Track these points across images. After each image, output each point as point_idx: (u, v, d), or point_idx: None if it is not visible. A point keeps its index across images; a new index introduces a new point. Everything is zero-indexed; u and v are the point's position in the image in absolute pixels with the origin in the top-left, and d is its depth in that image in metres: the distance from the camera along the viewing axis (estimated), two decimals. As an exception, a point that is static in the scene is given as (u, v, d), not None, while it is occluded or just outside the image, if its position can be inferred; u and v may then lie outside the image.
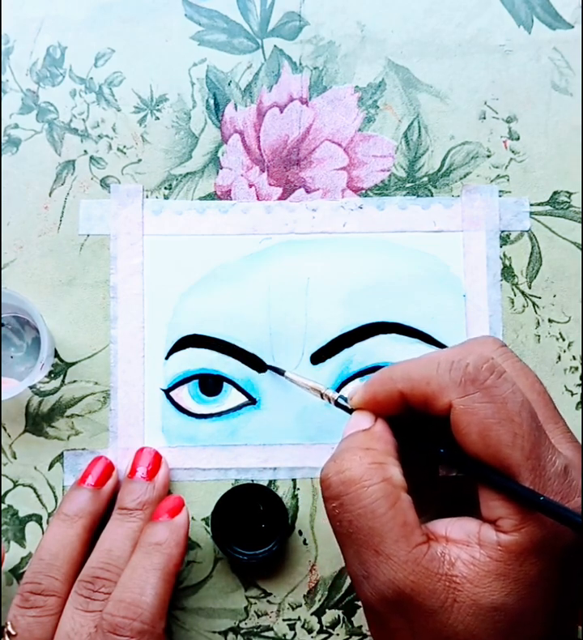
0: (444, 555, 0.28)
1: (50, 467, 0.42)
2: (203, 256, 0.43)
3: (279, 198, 0.43)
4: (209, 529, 0.42)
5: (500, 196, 0.43)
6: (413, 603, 0.28)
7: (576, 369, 0.42)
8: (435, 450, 0.30)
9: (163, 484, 0.40)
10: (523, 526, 0.27)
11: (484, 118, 0.44)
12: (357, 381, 0.41)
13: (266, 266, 0.43)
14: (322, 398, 0.37)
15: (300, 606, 0.41)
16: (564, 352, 0.43)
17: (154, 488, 0.40)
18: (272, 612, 0.41)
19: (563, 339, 0.43)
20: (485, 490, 0.29)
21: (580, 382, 0.42)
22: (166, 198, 0.43)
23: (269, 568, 0.41)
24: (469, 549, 0.28)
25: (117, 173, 0.44)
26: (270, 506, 0.41)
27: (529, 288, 0.43)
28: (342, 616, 0.41)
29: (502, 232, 0.43)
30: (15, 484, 0.42)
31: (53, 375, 0.43)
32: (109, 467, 0.41)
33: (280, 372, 0.41)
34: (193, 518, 0.41)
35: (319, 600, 0.41)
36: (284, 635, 0.41)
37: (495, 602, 0.27)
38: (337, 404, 0.36)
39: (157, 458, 0.41)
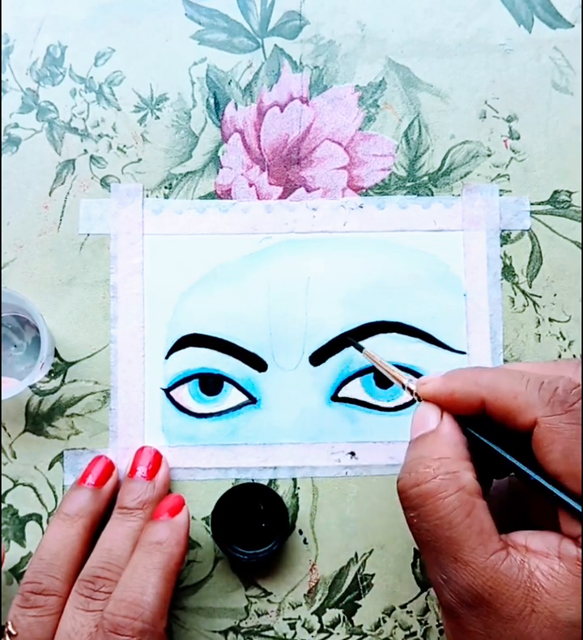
0: (523, 563, 0.28)
1: (50, 466, 0.42)
2: (203, 255, 0.43)
3: (280, 198, 0.43)
4: (209, 528, 0.42)
5: (500, 195, 0.43)
6: (491, 608, 0.28)
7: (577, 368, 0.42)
8: (512, 464, 0.31)
9: (163, 483, 0.40)
10: None
11: (485, 117, 0.44)
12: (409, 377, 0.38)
13: (267, 266, 0.43)
14: (397, 383, 0.37)
15: (301, 605, 0.41)
16: (565, 351, 0.43)
17: (154, 487, 0.40)
18: (272, 611, 0.41)
19: (564, 339, 0.43)
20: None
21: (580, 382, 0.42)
22: (166, 197, 0.43)
23: (269, 567, 0.41)
24: (548, 561, 0.28)
25: (117, 173, 0.44)
26: (270, 506, 0.41)
27: (530, 287, 0.43)
28: (342, 615, 0.41)
29: (502, 231, 0.43)
30: (15, 484, 0.42)
31: (53, 374, 0.43)
32: (109, 467, 0.41)
33: (359, 348, 0.40)
34: (193, 517, 0.41)
35: (319, 600, 0.41)
36: (284, 634, 0.41)
37: (572, 617, 0.27)
38: (410, 390, 0.35)
39: (157, 458, 0.41)
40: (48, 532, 0.38)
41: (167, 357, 0.42)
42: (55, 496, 0.42)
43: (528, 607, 0.28)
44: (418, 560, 0.42)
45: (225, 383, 0.42)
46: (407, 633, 0.41)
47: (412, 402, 0.42)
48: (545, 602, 0.28)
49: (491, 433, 0.32)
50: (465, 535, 0.29)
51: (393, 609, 0.41)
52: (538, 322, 0.43)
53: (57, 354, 0.43)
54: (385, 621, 0.41)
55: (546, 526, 0.30)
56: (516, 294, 0.43)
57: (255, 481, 0.42)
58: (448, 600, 0.30)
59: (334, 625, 0.41)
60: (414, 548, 0.42)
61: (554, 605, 0.28)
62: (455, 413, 0.32)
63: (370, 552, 0.42)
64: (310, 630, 0.41)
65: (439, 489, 0.30)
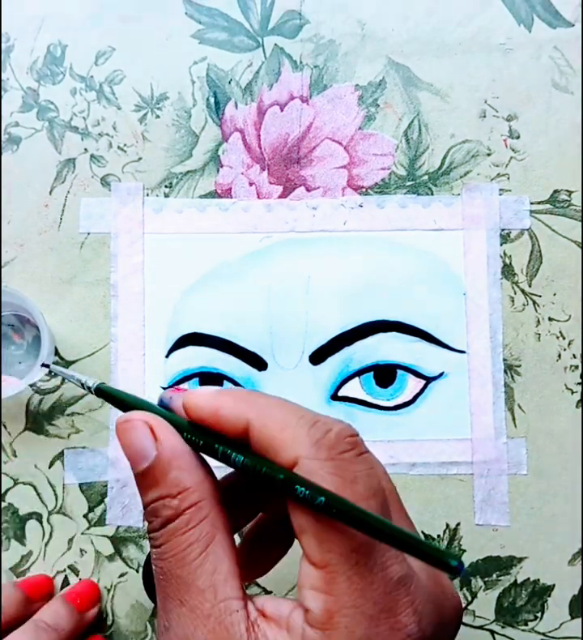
0: (253, 625, 0.24)
1: (51, 465, 0.42)
2: (204, 254, 0.43)
3: (280, 197, 0.43)
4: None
5: (500, 194, 0.43)
6: None
7: (577, 367, 0.42)
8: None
9: (88, 622, 0.40)
10: (328, 629, 0.23)
11: (484, 117, 0.44)
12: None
13: (267, 265, 0.43)
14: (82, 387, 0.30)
15: (301, 604, 0.41)
16: (564, 350, 0.43)
17: (79, 620, 0.39)
18: (272, 610, 0.41)
19: (564, 338, 0.43)
20: (304, 563, 0.25)
21: (581, 381, 0.42)
22: (166, 196, 0.43)
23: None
24: (276, 630, 0.24)
25: (117, 172, 0.44)
26: None
27: (530, 286, 0.43)
28: (342, 614, 0.41)
29: (502, 230, 0.43)
30: (16, 483, 0.42)
31: (53, 373, 0.43)
32: (95, 593, 0.41)
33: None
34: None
35: (319, 598, 0.41)
36: (284, 633, 0.41)
37: None
38: (97, 393, 0.29)
39: (95, 595, 0.41)
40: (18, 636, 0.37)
41: (167, 356, 0.42)
42: (55, 495, 0.42)
43: None
44: (417, 558, 0.42)
45: (225, 382, 0.42)
46: (407, 631, 0.41)
47: (413, 400, 0.42)
48: None
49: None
50: (195, 574, 0.24)
51: (393, 608, 0.41)
52: (538, 321, 0.43)
53: (57, 353, 0.43)
54: (384, 620, 0.41)
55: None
56: (515, 293, 0.43)
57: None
58: None
59: (333, 623, 0.41)
60: (414, 547, 0.42)
61: None
62: (218, 432, 0.26)
63: (370, 551, 0.42)
64: (310, 629, 0.41)
65: (180, 525, 0.25)
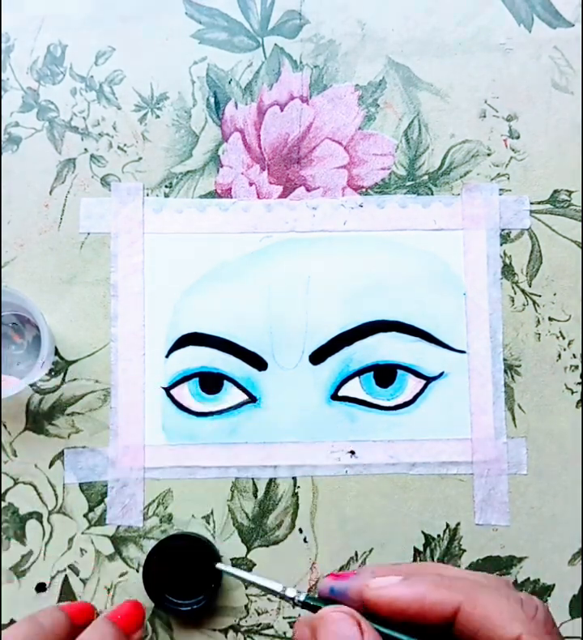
0: None
1: (51, 464, 0.42)
2: (204, 254, 0.43)
3: (280, 197, 0.43)
4: (210, 527, 0.42)
5: (500, 194, 0.43)
6: None
7: (577, 367, 0.42)
8: None
9: None
10: None
11: (484, 117, 0.44)
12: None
13: (267, 265, 0.43)
14: (279, 597, 0.32)
15: (301, 604, 0.41)
16: (564, 350, 0.43)
17: None
18: (272, 609, 0.42)
19: (564, 338, 0.43)
20: None
21: (581, 381, 0.42)
22: (166, 196, 0.43)
23: (269, 566, 0.42)
24: None
25: (117, 171, 0.44)
26: (197, 553, 0.40)
27: (530, 286, 0.43)
28: (342, 613, 0.41)
29: (502, 230, 0.43)
30: (16, 482, 0.42)
31: (53, 373, 0.43)
32: (141, 613, 0.40)
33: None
34: (193, 516, 0.42)
35: (319, 598, 0.42)
36: (284, 633, 0.41)
37: None
38: (304, 605, 0.30)
39: (139, 616, 0.39)
40: None
41: (167, 356, 0.42)
42: (55, 494, 0.42)
43: None
44: (418, 559, 0.42)
45: (225, 382, 0.42)
46: (407, 631, 0.41)
47: (413, 400, 0.42)
48: None
49: None
50: None
51: (393, 608, 0.41)
52: (538, 321, 0.43)
53: (57, 352, 0.43)
54: (384, 620, 0.41)
55: None
56: (515, 293, 0.43)
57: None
58: None
59: (333, 623, 0.41)
60: (415, 547, 0.42)
61: None
62: (417, 622, 0.27)
63: (370, 551, 0.42)
64: (310, 629, 0.41)
65: None
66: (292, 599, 0.30)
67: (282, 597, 0.31)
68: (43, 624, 0.36)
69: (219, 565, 0.37)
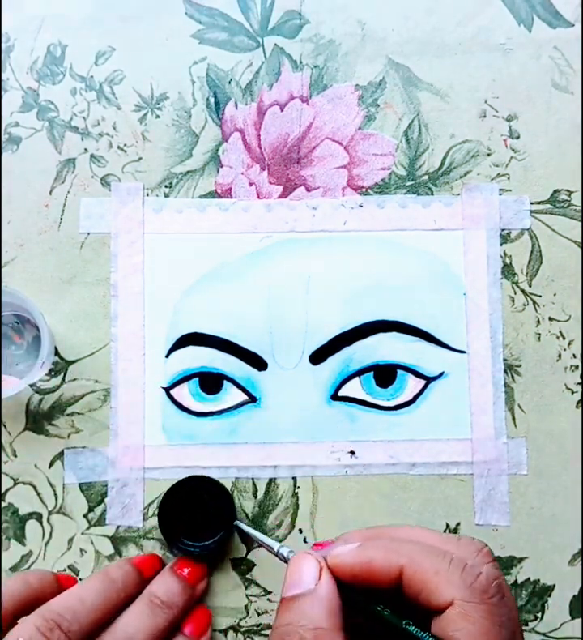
0: None
1: (51, 465, 0.42)
2: (204, 254, 0.43)
3: (280, 197, 0.43)
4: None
5: (500, 194, 0.43)
6: None
7: (577, 367, 0.42)
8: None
9: (198, 594, 0.40)
10: None
11: (485, 117, 0.44)
12: (340, 544, 0.34)
13: (267, 265, 0.43)
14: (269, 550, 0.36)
15: (301, 604, 0.41)
16: (564, 350, 0.43)
17: (191, 595, 0.39)
18: (272, 610, 0.41)
19: (564, 338, 0.43)
20: None
21: (581, 381, 0.42)
22: (166, 196, 0.43)
23: (269, 566, 0.41)
24: None
25: (117, 171, 0.44)
26: (215, 496, 0.41)
27: (530, 286, 0.43)
28: (342, 614, 0.41)
29: (502, 230, 0.43)
30: (16, 482, 0.42)
31: (53, 373, 0.43)
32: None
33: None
34: (193, 516, 0.42)
35: (319, 598, 0.41)
36: (284, 633, 0.41)
37: None
38: (282, 557, 0.35)
39: (202, 568, 0.41)
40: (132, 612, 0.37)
41: (167, 356, 0.42)
42: (55, 494, 0.42)
43: None
44: (418, 558, 0.42)
45: (225, 382, 0.42)
46: (407, 631, 0.41)
47: (413, 400, 0.42)
48: None
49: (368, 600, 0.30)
50: None
51: (393, 608, 0.41)
52: (538, 321, 0.43)
53: (57, 353, 0.43)
54: (384, 620, 0.41)
55: None
56: (516, 293, 0.43)
57: (251, 479, 0.42)
58: None
59: (333, 623, 0.41)
60: (414, 547, 0.42)
61: None
62: (371, 585, 0.30)
63: (370, 551, 0.42)
64: (310, 629, 0.41)
65: None
66: (285, 557, 0.34)
67: (276, 554, 0.35)
68: (114, 578, 0.37)
69: (237, 522, 0.40)
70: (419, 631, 0.29)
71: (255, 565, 0.42)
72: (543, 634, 0.41)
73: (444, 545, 0.31)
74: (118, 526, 0.42)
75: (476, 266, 0.43)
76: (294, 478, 0.42)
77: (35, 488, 0.42)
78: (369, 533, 0.33)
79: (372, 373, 0.42)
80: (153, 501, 0.42)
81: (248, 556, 0.42)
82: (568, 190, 0.43)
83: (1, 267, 0.43)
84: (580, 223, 0.43)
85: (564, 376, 0.42)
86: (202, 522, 0.41)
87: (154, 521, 0.42)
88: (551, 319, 0.43)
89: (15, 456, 0.42)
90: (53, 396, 0.42)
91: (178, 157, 0.44)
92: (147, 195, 0.43)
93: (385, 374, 0.42)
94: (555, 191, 0.43)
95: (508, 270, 0.43)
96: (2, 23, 0.44)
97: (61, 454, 0.42)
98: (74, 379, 0.42)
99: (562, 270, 0.43)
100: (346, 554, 0.31)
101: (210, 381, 0.42)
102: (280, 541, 0.41)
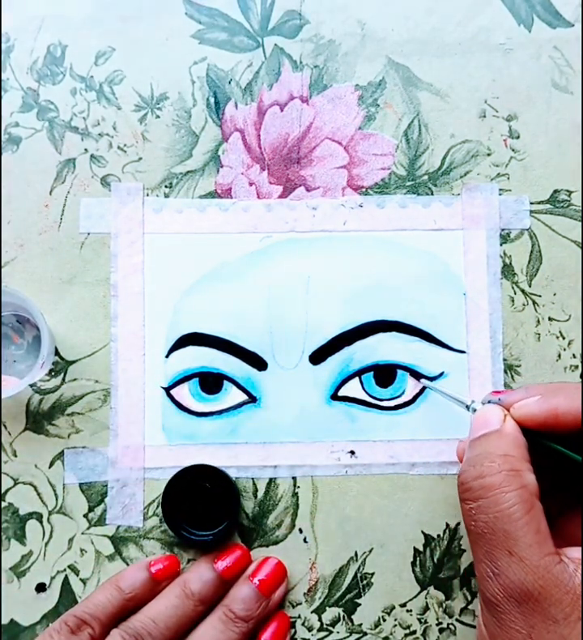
0: (576, 571, 0.29)
1: (51, 465, 0.42)
2: (204, 254, 0.43)
3: (280, 197, 0.43)
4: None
5: (500, 194, 0.43)
6: (538, 607, 0.29)
7: (576, 367, 0.42)
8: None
9: (276, 603, 0.40)
10: None
11: (484, 117, 0.44)
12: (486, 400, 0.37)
13: (267, 265, 0.43)
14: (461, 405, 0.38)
15: (301, 604, 0.41)
16: (564, 350, 0.43)
17: (267, 605, 0.39)
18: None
19: (564, 338, 0.43)
20: None
21: (581, 380, 0.42)
22: (166, 196, 0.43)
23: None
24: None
25: (117, 172, 0.44)
26: (220, 487, 0.41)
27: (530, 286, 0.43)
28: (342, 614, 0.41)
29: (502, 230, 0.43)
30: (16, 482, 0.42)
31: (53, 373, 0.43)
32: (245, 560, 0.41)
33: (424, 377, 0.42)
34: (193, 516, 0.42)
35: (319, 598, 0.42)
36: (284, 633, 0.41)
37: None
38: (474, 410, 0.36)
39: (280, 574, 0.40)
40: (163, 601, 0.38)
41: (167, 356, 0.42)
42: (55, 494, 0.42)
43: (575, 613, 0.28)
44: (418, 559, 0.42)
45: (225, 382, 0.42)
46: (407, 631, 0.41)
47: (413, 400, 0.42)
48: None
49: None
50: (522, 531, 0.30)
51: (393, 608, 0.41)
52: (538, 321, 0.43)
53: (57, 353, 0.43)
54: (384, 620, 0.41)
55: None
56: (515, 293, 0.43)
57: (251, 476, 0.42)
58: (495, 594, 0.30)
59: (333, 623, 0.41)
60: (414, 547, 0.42)
61: None
62: (556, 431, 0.32)
63: (370, 551, 0.42)
64: (310, 629, 0.41)
65: (502, 483, 0.31)
66: (475, 409, 0.36)
67: (467, 408, 0.37)
68: (191, 592, 0.38)
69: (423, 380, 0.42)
70: None
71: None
72: None
73: None
74: (118, 527, 0.42)
75: (476, 266, 0.43)
76: (294, 478, 0.42)
77: (35, 488, 0.42)
78: (548, 386, 0.34)
79: (372, 372, 0.42)
80: (153, 501, 0.42)
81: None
82: (567, 190, 0.43)
83: (1, 267, 0.43)
84: (580, 223, 0.43)
85: (564, 376, 0.42)
86: (205, 511, 0.41)
87: (154, 521, 0.42)
88: (550, 319, 0.43)
89: (15, 456, 0.42)
90: (53, 396, 0.42)
91: (178, 157, 0.44)
92: (147, 195, 0.43)
93: (385, 374, 0.42)
94: (555, 191, 0.43)
95: (508, 270, 0.43)
96: (2, 23, 0.44)
97: (62, 454, 0.42)
98: (74, 379, 0.43)
99: (562, 270, 0.43)
100: (531, 404, 0.33)
101: (210, 381, 0.42)
102: (280, 541, 0.41)
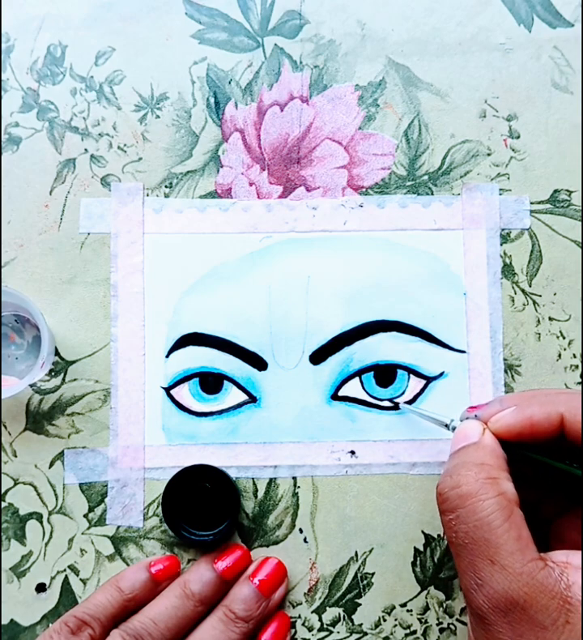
0: (561, 576, 0.29)
1: (51, 465, 0.42)
2: (204, 254, 0.43)
3: (280, 197, 0.43)
4: (209, 527, 0.42)
5: (500, 194, 0.43)
6: (525, 615, 0.28)
7: (577, 367, 0.42)
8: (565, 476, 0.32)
9: (276, 603, 0.40)
10: None
11: (484, 117, 0.44)
12: (467, 413, 0.37)
13: (267, 265, 0.43)
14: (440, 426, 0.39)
15: (301, 604, 0.41)
16: (565, 350, 0.43)
17: (267, 605, 0.39)
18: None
19: (564, 337, 0.43)
20: None
21: (581, 381, 0.42)
22: (166, 196, 0.43)
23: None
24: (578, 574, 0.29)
25: (117, 172, 0.44)
26: (220, 487, 0.41)
27: (530, 286, 0.43)
28: (342, 614, 0.41)
29: (502, 230, 0.43)
30: (16, 483, 0.42)
31: (53, 373, 0.43)
32: (246, 560, 0.41)
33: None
34: (193, 516, 0.42)
35: (319, 598, 0.42)
36: (285, 633, 0.41)
37: None
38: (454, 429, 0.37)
39: (280, 574, 0.40)
40: (163, 601, 0.38)
41: (167, 356, 0.42)
42: (55, 494, 0.42)
43: (562, 617, 0.28)
44: (418, 559, 0.42)
45: (225, 382, 0.42)
46: (407, 631, 0.41)
47: (413, 400, 0.42)
48: (580, 616, 0.28)
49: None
50: (503, 538, 0.29)
51: (393, 608, 0.41)
52: (538, 320, 0.43)
53: (57, 353, 0.43)
54: (385, 620, 0.41)
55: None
56: (516, 293, 0.43)
57: (254, 476, 0.42)
58: (480, 605, 0.30)
59: (334, 623, 0.41)
60: (415, 547, 0.42)
61: None
62: (532, 440, 0.33)
63: (370, 551, 0.42)
64: (310, 629, 0.41)
65: (480, 491, 0.30)
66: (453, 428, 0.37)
67: (447, 428, 0.38)
68: (192, 593, 0.38)
69: (402, 406, 0.42)
70: None
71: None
72: None
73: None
74: (118, 527, 0.42)
75: (476, 266, 0.43)
76: (294, 478, 0.42)
77: (35, 488, 0.42)
78: (522, 395, 0.35)
79: (372, 372, 0.42)
80: (153, 501, 0.42)
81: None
82: (567, 190, 0.43)
83: (1, 267, 0.43)
84: (580, 223, 0.43)
85: (564, 376, 0.42)
86: (205, 511, 0.41)
87: (154, 521, 0.42)
88: (551, 319, 0.43)
89: (15, 456, 0.42)
90: (53, 396, 0.42)
91: (178, 157, 0.44)
92: (147, 195, 0.43)
93: (385, 374, 0.42)
94: (555, 191, 0.43)
95: (508, 270, 0.43)
96: (2, 23, 0.44)
97: (62, 454, 0.42)
98: (74, 379, 0.43)
99: (562, 270, 0.43)
100: (506, 416, 0.33)
101: (211, 381, 0.42)
102: (280, 541, 0.41)
